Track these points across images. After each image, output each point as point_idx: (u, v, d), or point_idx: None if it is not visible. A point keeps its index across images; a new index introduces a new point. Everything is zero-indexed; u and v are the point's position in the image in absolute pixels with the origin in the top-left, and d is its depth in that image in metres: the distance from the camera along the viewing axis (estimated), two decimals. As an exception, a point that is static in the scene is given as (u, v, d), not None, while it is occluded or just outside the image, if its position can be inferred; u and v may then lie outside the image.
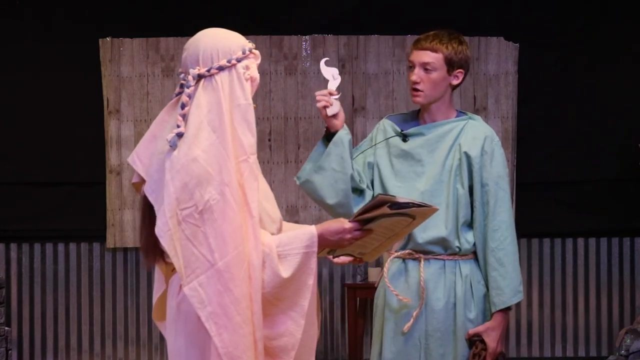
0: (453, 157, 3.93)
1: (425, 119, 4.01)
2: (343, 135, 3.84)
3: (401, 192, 3.86)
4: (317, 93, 3.81)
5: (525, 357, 7.28)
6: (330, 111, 3.79)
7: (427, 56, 3.90)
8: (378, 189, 3.97)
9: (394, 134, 3.99)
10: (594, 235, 7.28)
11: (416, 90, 3.92)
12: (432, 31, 3.98)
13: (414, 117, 4.06)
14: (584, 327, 7.29)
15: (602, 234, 7.28)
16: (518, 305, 7.24)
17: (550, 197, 7.23)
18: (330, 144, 3.85)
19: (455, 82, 3.96)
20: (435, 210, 3.18)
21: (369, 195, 3.97)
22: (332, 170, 3.86)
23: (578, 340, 7.29)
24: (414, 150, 3.95)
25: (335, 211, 3.91)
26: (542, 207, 7.20)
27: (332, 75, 3.78)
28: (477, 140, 3.93)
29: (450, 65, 3.92)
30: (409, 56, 3.97)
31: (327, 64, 3.79)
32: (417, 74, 3.91)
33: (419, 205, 3.13)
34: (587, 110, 7.18)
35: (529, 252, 7.28)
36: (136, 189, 3.12)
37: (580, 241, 7.31)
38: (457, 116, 4.01)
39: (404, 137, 3.98)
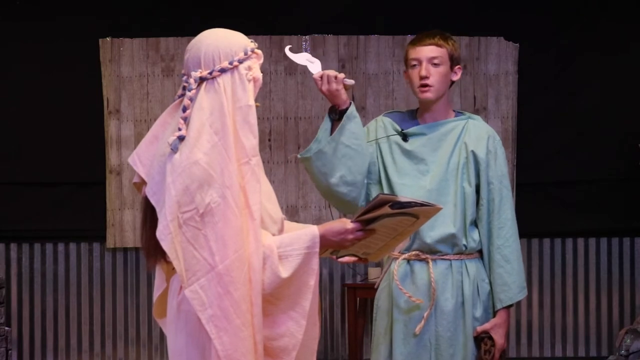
0: (458, 155, 3.94)
1: (425, 119, 4.02)
2: (354, 110, 3.84)
3: (406, 190, 3.87)
4: (321, 73, 3.76)
5: (525, 357, 7.28)
6: (348, 81, 3.78)
7: (434, 51, 3.94)
8: (384, 186, 3.97)
9: (395, 133, 4.00)
10: (594, 235, 7.28)
11: (425, 85, 3.93)
12: (424, 32, 4.02)
13: (413, 117, 4.07)
14: (584, 327, 7.29)
15: (602, 234, 7.28)
16: (518, 305, 7.24)
17: (550, 197, 7.23)
18: (345, 118, 3.83)
19: (455, 78, 4.02)
20: (439, 209, 3.18)
21: (365, 186, 3.99)
22: (343, 145, 3.84)
23: (578, 340, 7.29)
24: (417, 150, 3.97)
25: (334, 190, 3.87)
26: (542, 207, 7.20)
27: (306, 59, 3.69)
28: (481, 140, 3.96)
29: (452, 60, 3.98)
30: (411, 54, 3.98)
31: (291, 50, 3.64)
32: (426, 68, 3.93)
33: (421, 205, 3.12)
34: (587, 110, 7.18)
35: (529, 252, 7.28)
36: (137, 189, 3.12)
37: (580, 241, 7.31)
38: (456, 116, 4.04)
39: (404, 137, 3.99)
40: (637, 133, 7.07)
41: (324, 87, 3.77)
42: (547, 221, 7.21)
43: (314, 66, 3.70)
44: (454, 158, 3.95)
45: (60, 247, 7.22)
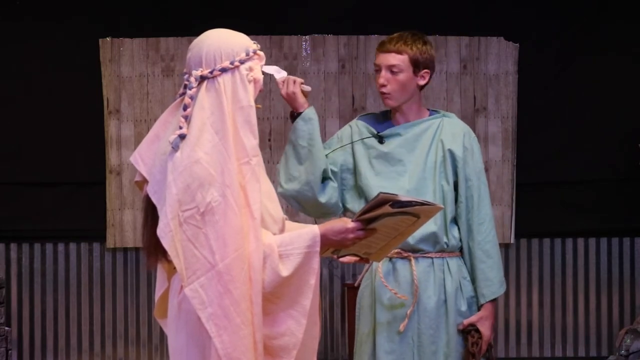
0: (435, 154, 3.98)
1: (398, 120, 4.05)
2: (311, 113, 3.91)
3: (387, 191, 3.88)
4: (284, 78, 3.83)
5: (525, 357, 7.28)
6: (305, 87, 3.86)
7: (393, 58, 3.95)
8: (363, 190, 3.99)
9: (370, 135, 4.02)
10: (594, 235, 7.28)
11: (384, 93, 3.96)
12: (395, 34, 4.02)
13: (387, 118, 4.10)
14: (584, 327, 7.29)
15: (602, 234, 7.28)
16: (518, 305, 7.25)
17: (550, 197, 7.23)
18: (299, 120, 3.90)
19: (422, 82, 4.01)
20: (440, 208, 3.20)
21: (331, 187, 4.00)
22: (300, 146, 3.93)
23: (578, 340, 7.29)
24: (394, 151, 3.99)
25: (291, 189, 3.98)
26: (542, 207, 7.20)
27: (275, 70, 3.76)
28: (457, 137, 4.00)
29: (416, 66, 3.97)
30: (375, 59, 4.00)
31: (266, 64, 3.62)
32: (384, 76, 3.95)
33: (422, 204, 3.12)
34: (587, 110, 7.18)
35: (529, 252, 7.28)
36: (139, 188, 3.13)
37: (580, 241, 7.31)
38: (430, 115, 4.06)
39: (380, 139, 4.01)
40: (637, 133, 7.08)
41: (283, 91, 3.87)
42: (547, 221, 7.21)
43: (280, 75, 3.78)
44: (430, 157, 3.98)
45: (60, 247, 7.22)
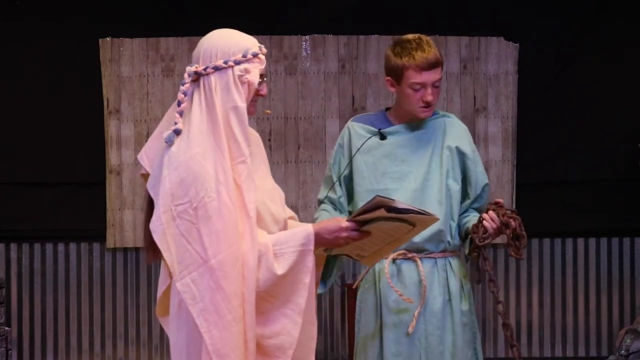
0: (441, 154, 3.97)
1: (400, 119, 4.02)
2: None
3: (391, 193, 3.88)
4: None
5: (525, 357, 7.28)
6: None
7: (438, 73, 3.88)
8: (367, 196, 3.98)
9: (370, 135, 4.00)
10: (594, 235, 7.28)
11: (429, 107, 3.92)
12: (414, 38, 3.92)
13: (384, 118, 4.07)
14: (584, 327, 7.28)
15: (602, 234, 7.27)
16: (518, 305, 7.25)
17: (550, 197, 7.22)
18: None
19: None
20: (436, 220, 3.20)
21: None
22: None
23: (578, 340, 7.28)
24: (397, 151, 3.98)
25: None
26: (542, 207, 7.20)
27: None
28: (463, 138, 4.01)
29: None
30: (414, 78, 3.83)
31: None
32: (432, 93, 3.88)
33: (418, 213, 3.11)
34: (587, 110, 7.17)
35: (529, 252, 7.28)
36: (145, 180, 3.13)
37: (580, 241, 7.31)
38: (432, 115, 4.05)
39: (382, 136, 4.00)
40: (637, 133, 7.07)
41: None
42: (547, 221, 7.20)
43: None
44: (435, 157, 3.97)
45: (60, 247, 7.22)
